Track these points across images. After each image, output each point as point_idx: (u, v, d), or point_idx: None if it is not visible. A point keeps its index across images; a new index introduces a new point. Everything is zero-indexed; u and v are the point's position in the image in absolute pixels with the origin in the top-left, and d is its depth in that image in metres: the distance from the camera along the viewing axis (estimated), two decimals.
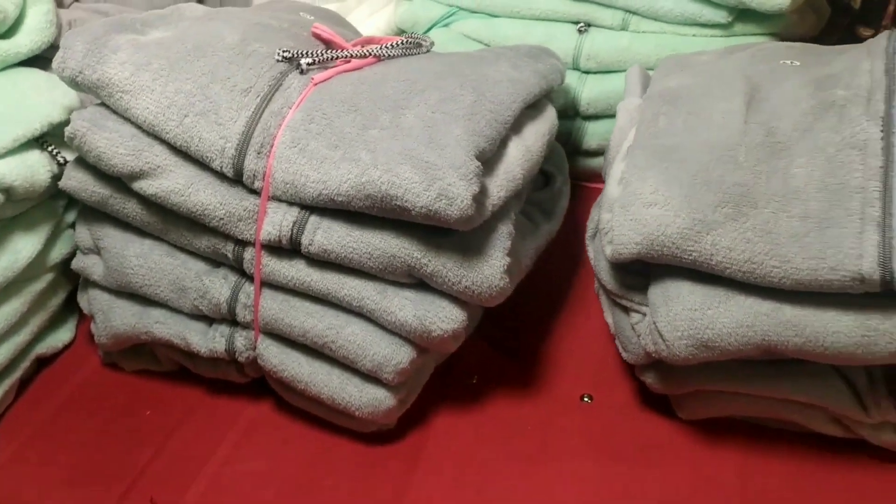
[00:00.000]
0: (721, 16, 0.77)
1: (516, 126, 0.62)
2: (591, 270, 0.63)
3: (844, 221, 0.48)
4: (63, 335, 0.75)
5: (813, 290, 0.49)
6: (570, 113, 0.83)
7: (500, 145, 0.59)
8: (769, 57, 0.61)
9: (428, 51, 0.69)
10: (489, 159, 0.57)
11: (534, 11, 0.83)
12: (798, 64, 0.59)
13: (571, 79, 0.82)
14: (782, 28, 0.78)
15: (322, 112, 0.57)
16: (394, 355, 0.58)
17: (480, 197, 0.54)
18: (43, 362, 0.74)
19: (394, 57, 0.66)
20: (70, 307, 0.76)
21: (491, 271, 0.56)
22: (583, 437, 0.63)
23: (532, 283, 0.75)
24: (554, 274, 0.76)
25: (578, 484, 0.59)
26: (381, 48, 0.65)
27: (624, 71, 0.77)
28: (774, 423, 0.60)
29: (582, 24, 0.81)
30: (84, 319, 0.76)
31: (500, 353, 0.71)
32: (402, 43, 0.67)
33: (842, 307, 0.49)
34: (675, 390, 0.60)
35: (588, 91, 0.81)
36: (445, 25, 0.86)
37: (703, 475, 0.59)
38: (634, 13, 0.80)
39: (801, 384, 0.55)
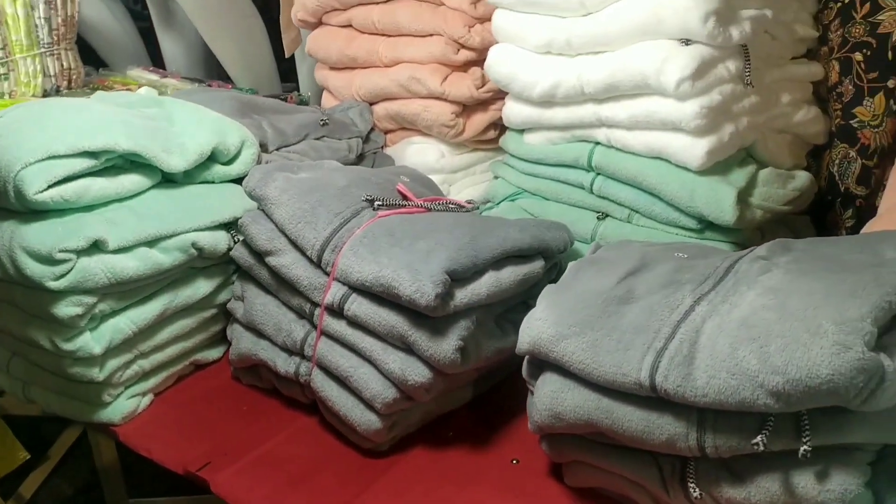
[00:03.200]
0: (693, 223, 1.05)
1: (498, 264, 0.94)
2: None
3: (638, 347, 0.75)
4: (215, 353, 1.15)
5: (616, 389, 0.76)
6: None
7: (477, 272, 0.92)
8: (670, 249, 0.90)
9: (468, 211, 1.05)
10: (463, 278, 0.90)
11: (570, 200, 1.16)
12: (685, 256, 0.88)
13: (587, 251, 1.12)
14: (744, 240, 1.05)
15: (373, 233, 0.94)
16: (384, 392, 0.91)
17: (446, 298, 0.87)
18: (198, 367, 1.15)
19: (440, 211, 1.02)
20: (225, 338, 1.17)
21: (447, 347, 0.88)
22: (500, 481, 0.91)
23: (506, 380, 1.05)
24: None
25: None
26: (432, 204, 1.02)
27: None
28: (623, 499, 0.84)
29: (600, 214, 1.13)
30: (229, 347, 1.16)
31: (476, 421, 1.00)
32: (448, 203, 1.03)
33: (635, 404, 0.75)
34: (558, 458, 0.87)
35: None
36: (513, 200, 1.22)
37: None
38: (637, 212, 1.10)
39: (630, 464, 0.80)
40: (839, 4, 1.06)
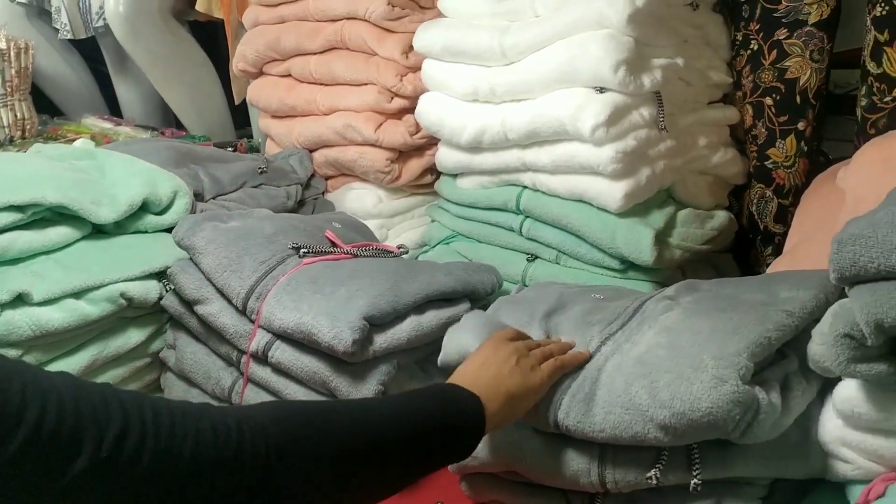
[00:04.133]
0: (616, 263, 1.08)
1: (420, 308, 0.96)
2: None
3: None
4: None
5: (525, 425, 0.78)
6: None
7: (399, 317, 0.94)
8: (589, 290, 0.92)
9: (396, 256, 1.07)
10: (382, 323, 0.92)
11: (501, 242, 1.19)
12: (601, 297, 0.90)
13: (513, 291, 1.14)
14: (665, 279, 1.07)
15: (296, 281, 0.96)
16: None
17: (365, 343, 0.89)
18: None
19: (367, 256, 1.04)
20: (161, 387, 1.17)
21: (367, 392, 0.89)
22: None
23: None
24: None
25: None
26: (360, 250, 1.04)
27: None
28: None
29: (530, 255, 1.16)
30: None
31: None
32: (375, 248, 1.05)
33: (543, 440, 0.77)
34: (477, 497, 0.88)
35: None
36: (447, 243, 1.24)
37: None
38: (564, 253, 1.13)
39: (542, 501, 0.81)
40: (749, 52, 1.11)
